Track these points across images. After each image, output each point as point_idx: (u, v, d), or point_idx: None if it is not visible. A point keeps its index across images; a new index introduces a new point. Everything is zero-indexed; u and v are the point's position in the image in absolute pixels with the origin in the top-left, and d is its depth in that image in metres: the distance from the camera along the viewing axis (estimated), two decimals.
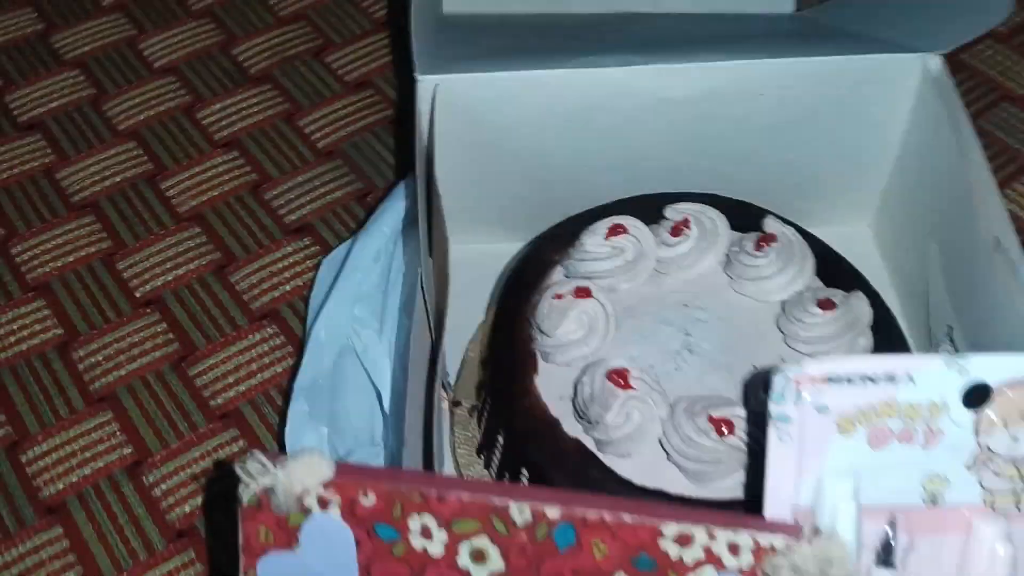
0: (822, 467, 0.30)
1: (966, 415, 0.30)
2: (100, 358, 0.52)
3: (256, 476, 0.29)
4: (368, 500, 0.30)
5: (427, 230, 0.42)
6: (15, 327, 0.54)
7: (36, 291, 0.55)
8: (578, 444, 0.40)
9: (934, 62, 0.47)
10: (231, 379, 0.52)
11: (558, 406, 0.42)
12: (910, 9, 0.53)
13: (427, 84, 0.46)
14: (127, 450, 0.49)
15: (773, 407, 0.30)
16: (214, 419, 0.50)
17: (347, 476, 0.30)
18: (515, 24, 0.52)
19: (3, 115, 0.64)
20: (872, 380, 0.29)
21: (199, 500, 0.47)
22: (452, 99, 0.46)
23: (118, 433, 0.50)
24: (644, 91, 0.48)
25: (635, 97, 0.48)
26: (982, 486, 0.30)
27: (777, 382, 0.29)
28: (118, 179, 0.61)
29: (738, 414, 0.38)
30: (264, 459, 0.29)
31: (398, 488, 0.30)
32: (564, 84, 0.47)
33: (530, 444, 0.41)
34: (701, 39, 0.53)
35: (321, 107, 0.64)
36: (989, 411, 0.30)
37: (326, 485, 0.30)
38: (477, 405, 0.46)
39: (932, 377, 0.29)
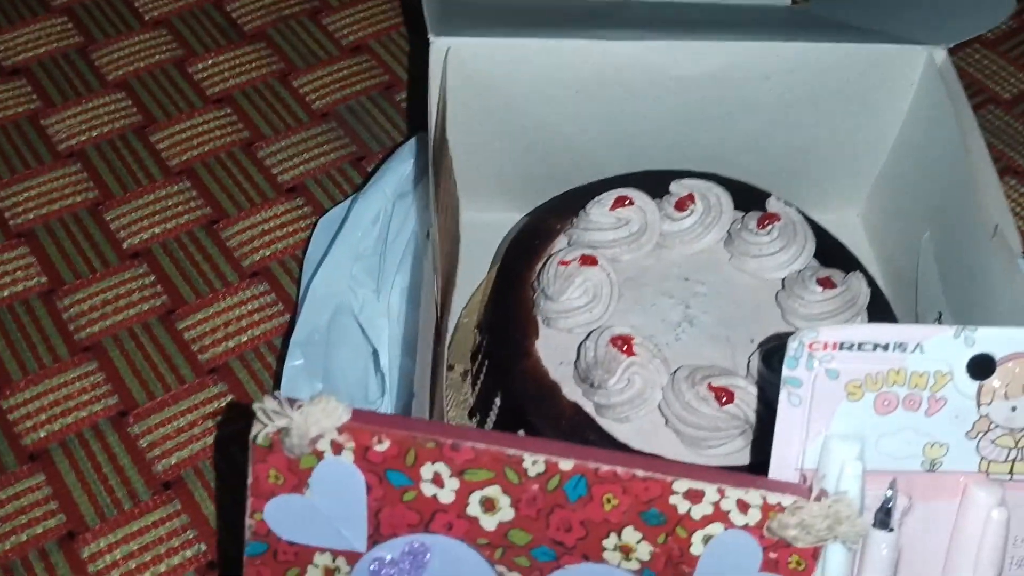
0: (828, 431, 0.31)
1: (970, 385, 0.30)
2: (85, 307, 0.52)
3: (272, 417, 0.29)
4: (382, 446, 0.30)
5: (435, 192, 0.42)
6: None
7: (20, 238, 0.54)
8: (577, 407, 0.41)
9: (939, 54, 0.48)
10: (220, 334, 0.51)
11: (558, 370, 0.42)
12: (912, 4, 0.54)
13: (440, 46, 0.46)
14: (112, 400, 0.48)
15: (786, 371, 0.30)
16: (202, 373, 0.49)
17: (362, 421, 0.30)
18: None
19: None
20: (883, 348, 0.30)
21: (185, 452, 0.47)
22: (463, 63, 0.46)
23: (103, 383, 0.49)
24: (654, 66, 0.48)
25: (645, 71, 0.48)
26: (979, 454, 0.31)
27: (792, 346, 0.30)
28: (106, 129, 0.60)
29: (737, 384, 0.39)
30: (281, 400, 0.29)
31: (413, 436, 0.30)
32: (576, 54, 0.47)
33: (529, 406, 0.41)
34: (709, 22, 0.53)
35: (316, 69, 0.64)
36: (992, 381, 0.30)
37: (341, 430, 0.30)
38: (471, 369, 0.46)
39: (941, 347, 0.30)
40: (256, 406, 0.29)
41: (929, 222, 0.48)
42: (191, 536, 0.44)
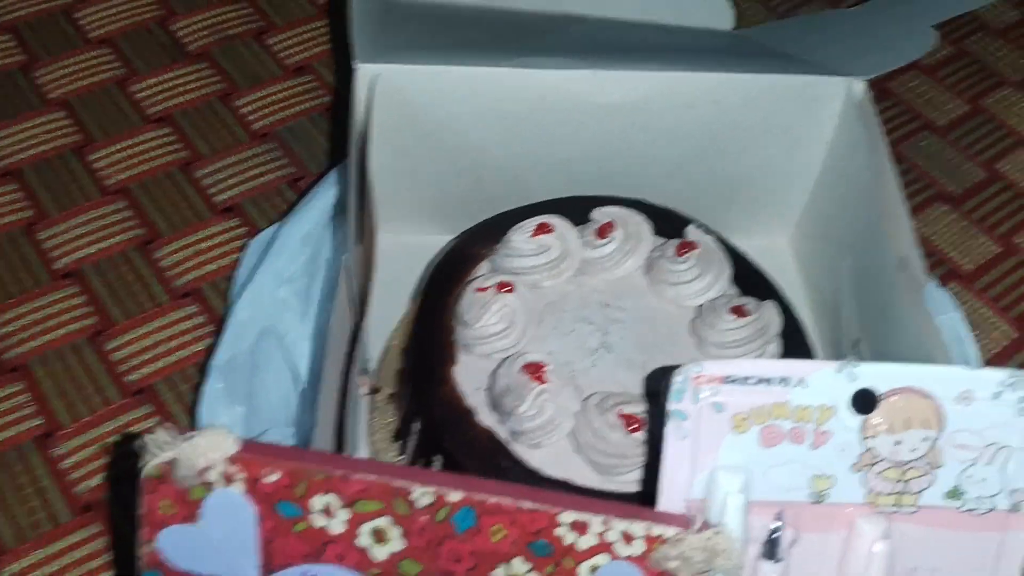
0: (715, 463, 0.31)
1: (854, 419, 0.31)
2: (14, 328, 0.52)
3: (160, 448, 0.29)
4: (272, 477, 0.30)
5: (357, 217, 0.42)
6: None
7: None
8: (490, 434, 0.41)
9: (858, 86, 0.49)
10: (148, 355, 0.51)
11: (474, 396, 0.42)
12: (840, 36, 0.55)
13: (365, 72, 0.46)
14: (36, 421, 0.48)
15: (672, 404, 0.31)
16: (128, 394, 0.50)
17: (253, 453, 0.30)
18: (458, 15, 0.53)
19: None
20: (767, 382, 0.31)
21: (107, 474, 0.47)
22: (389, 89, 0.47)
23: (28, 404, 0.49)
24: (579, 95, 0.49)
25: (570, 100, 0.49)
26: (866, 487, 0.32)
27: (676, 380, 0.30)
28: (44, 148, 0.60)
29: (647, 411, 0.40)
30: (170, 431, 0.30)
31: (303, 467, 0.30)
32: (502, 83, 0.48)
33: (444, 431, 0.41)
34: (639, 47, 0.54)
35: (258, 89, 0.64)
36: (875, 416, 0.31)
37: (232, 460, 0.30)
38: (397, 392, 0.47)
39: (823, 382, 0.31)
40: (146, 437, 0.29)
41: (848, 252, 0.49)
42: (109, 559, 0.44)
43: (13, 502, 0.46)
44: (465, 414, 0.42)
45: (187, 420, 0.49)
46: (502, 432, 0.41)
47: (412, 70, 0.47)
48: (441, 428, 0.42)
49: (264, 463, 0.30)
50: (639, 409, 0.40)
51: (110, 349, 0.51)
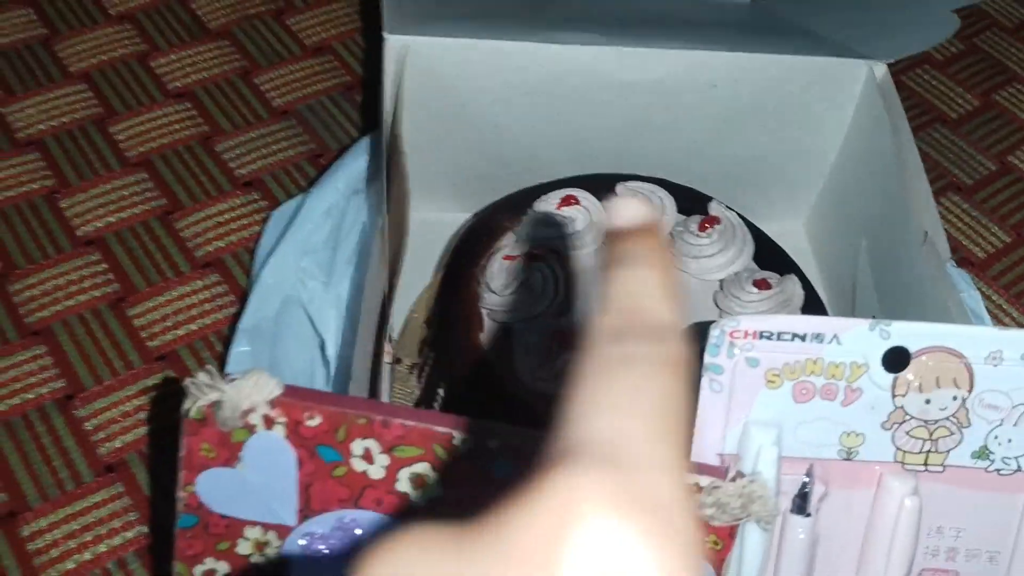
0: (748, 417, 0.32)
1: (885, 377, 0.32)
2: (37, 292, 0.52)
3: (204, 391, 0.30)
4: (313, 421, 0.30)
5: (387, 186, 0.43)
6: None
7: None
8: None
9: (879, 69, 0.50)
10: (170, 323, 0.51)
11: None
12: (862, 16, 0.56)
13: (395, 44, 0.47)
14: (59, 383, 0.48)
15: (707, 357, 0.31)
16: (150, 360, 0.50)
17: (294, 397, 0.30)
18: None
19: None
20: (801, 338, 0.31)
21: (130, 436, 0.47)
22: (418, 61, 0.47)
23: (51, 367, 0.49)
24: (603, 72, 0.49)
25: (593, 77, 0.49)
26: (895, 445, 0.32)
27: (713, 334, 0.31)
28: (66, 119, 0.60)
29: None
30: (213, 374, 0.30)
31: (344, 412, 0.30)
32: (527, 57, 0.48)
33: (470, 396, 0.42)
34: (661, 23, 0.55)
35: (279, 67, 0.65)
36: (906, 374, 0.32)
37: (273, 404, 0.30)
38: (418, 362, 0.47)
39: (857, 339, 0.31)
40: (188, 380, 0.30)
41: (866, 231, 0.50)
42: (132, 518, 0.45)
43: (36, 462, 0.46)
44: (492, 379, 0.42)
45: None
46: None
47: (439, 42, 0.48)
48: (468, 393, 0.42)
49: (305, 407, 0.30)
50: None
51: (132, 316, 0.51)
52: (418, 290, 0.51)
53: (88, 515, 0.45)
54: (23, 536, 0.44)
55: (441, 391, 0.44)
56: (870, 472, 0.33)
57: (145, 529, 0.44)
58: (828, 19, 0.53)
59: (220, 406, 0.30)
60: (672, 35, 0.50)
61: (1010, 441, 0.32)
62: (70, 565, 0.43)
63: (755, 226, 0.48)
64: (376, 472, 0.31)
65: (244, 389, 0.30)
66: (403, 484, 0.31)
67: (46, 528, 0.44)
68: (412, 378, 0.47)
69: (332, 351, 0.46)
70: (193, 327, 0.51)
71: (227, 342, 0.50)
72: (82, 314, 0.51)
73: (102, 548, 0.44)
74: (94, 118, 0.60)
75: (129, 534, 0.44)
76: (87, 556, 0.43)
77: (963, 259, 0.59)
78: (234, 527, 0.32)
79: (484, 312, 0.44)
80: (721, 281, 0.45)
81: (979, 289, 0.58)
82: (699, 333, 0.32)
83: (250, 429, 0.30)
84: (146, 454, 0.46)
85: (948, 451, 0.33)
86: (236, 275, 0.54)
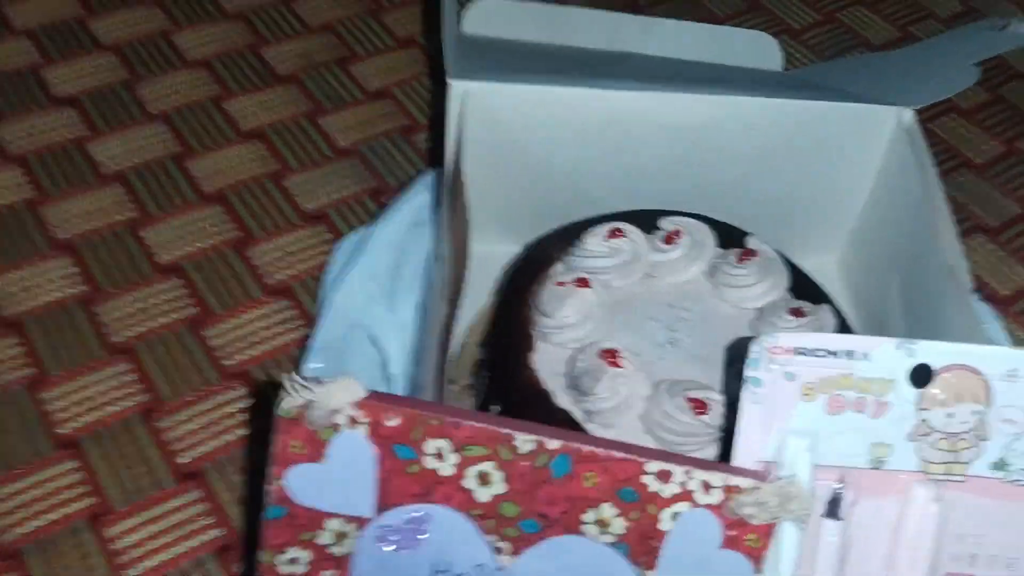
0: (786, 427, 0.35)
1: (911, 392, 0.35)
2: (121, 314, 0.56)
3: (297, 391, 0.33)
4: (392, 422, 0.34)
5: (449, 215, 0.47)
6: (41, 280, 0.57)
7: (62, 250, 0.59)
8: (566, 414, 0.45)
9: (907, 114, 0.53)
10: (243, 344, 0.55)
11: (551, 381, 0.46)
12: (886, 72, 0.60)
13: (457, 88, 0.51)
14: (142, 398, 0.53)
15: (748, 371, 0.34)
16: (226, 377, 0.54)
17: (376, 400, 0.34)
18: (538, 48, 0.58)
19: (41, 90, 0.68)
20: (834, 355, 0.34)
21: (207, 447, 0.51)
22: (477, 105, 0.51)
23: (135, 383, 0.53)
24: (649, 115, 0.53)
25: (641, 119, 0.53)
26: (919, 455, 0.35)
27: (753, 349, 0.34)
28: (147, 156, 0.65)
29: (713, 397, 0.43)
30: (306, 377, 0.34)
31: (420, 413, 0.34)
32: (579, 101, 0.53)
33: (523, 412, 0.45)
34: (699, 79, 0.59)
35: (342, 110, 0.69)
36: (930, 390, 0.35)
37: (358, 406, 0.34)
38: (472, 383, 0.50)
39: (884, 356, 0.34)
40: (284, 378, 0.33)
41: (896, 268, 0.53)
42: (209, 522, 0.48)
43: (120, 468, 0.50)
44: (543, 396, 0.45)
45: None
46: (578, 413, 0.45)
47: (497, 87, 0.52)
48: (520, 409, 0.45)
49: (385, 408, 0.34)
50: (705, 395, 0.43)
51: (208, 336, 0.56)
52: (472, 316, 0.54)
53: (167, 519, 0.48)
54: (108, 536, 0.47)
55: (496, 408, 0.47)
56: (897, 481, 0.35)
57: (220, 532, 0.48)
58: (857, 78, 0.57)
59: (311, 406, 0.34)
60: (709, 85, 0.53)
61: None
62: (149, 564, 0.47)
63: (790, 260, 0.52)
64: (447, 470, 0.34)
65: (333, 391, 0.33)
66: (470, 481, 0.34)
67: (129, 530, 0.48)
68: (466, 397, 0.50)
69: (394, 370, 0.50)
70: (265, 347, 0.55)
71: (296, 362, 0.54)
72: (162, 334, 0.55)
73: (180, 549, 0.47)
74: (173, 155, 0.65)
75: (205, 537, 0.48)
76: (166, 556, 0.47)
77: (989, 296, 0.62)
78: (317, 518, 0.35)
79: (535, 334, 0.48)
80: (758, 310, 0.48)
81: (1004, 324, 0.60)
82: (741, 349, 0.35)
83: (335, 428, 0.34)
84: (221, 463, 0.50)
85: (969, 462, 0.35)
86: (303, 301, 0.58)
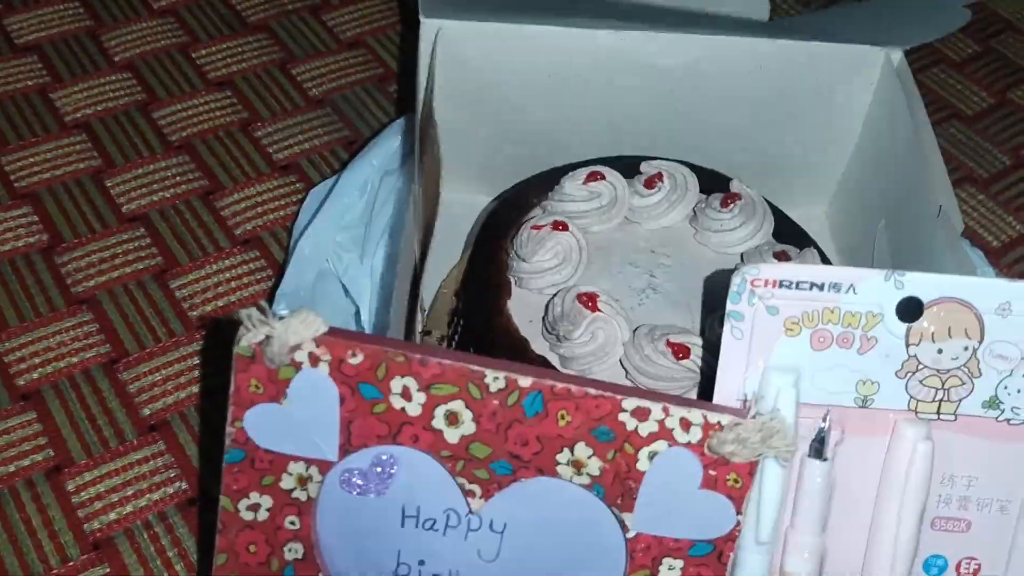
0: (768, 363, 0.33)
1: (899, 326, 0.33)
2: (83, 264, 0.54)
3: (255, 325, 0.32)
4: (355, 359, 0.32)
5: (420, 156, 0.45)
6: (1, 229, 0.55)
7: (23, 199, 0.57)
8: (544, 361, 0.43)
9: (896, 55, 0.52)
10: (211, 295, 0.54)
11: (527, 328, 0.44)
12: (876, 15, 0.58)
13: (429, 27, 0.49)
14: (104, 349, 0.51)
15: (729, 304, 0.33)
16: (191, 328, 0.52)
17: (338, 336, 0.32)
18: None
19: (3, 38, 0.66)
20: (819, 287, 0.33)
21: (171, 399, 0.49)
22: (450, 44, 0.49)
23: (96, 333, 0.51)
24: (631, 55, 0.51)
25: (622, 60, 0.51)
26: (908, 393, 0.34)
27: (734, 281, 0.33)
28: (111, 105, 0.63)
29: (693, 342, 0.42)
30: (265, 310, 0.32)
31: (384, 350, 0.32)
32: (557, 40, 0.50)
33: (499, 359, 0.43)
34: (684, 23, 0.57)
35: (314, 59, 0.67)
36: (920, 324, 0.33)
37: (318, 342, 0.32)
38: (447, 333, 0.49)
39: (872, 289, 0.33)
40: (242, 312, 0.32)
41: (883, 211, 0.51)
42: (172, 475, 0.46)
43: (81, 420, 0.48)
44: (520, 343, 0.44)
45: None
46: (555, 359, 0.43)
47: (471, 26, 0.50)
48: (496, 356, 0.44)
49: (348, 345, 0.32)
50: (686, 339, 0.42)
51: (174, 287, 0.54)
52: (447, 268, 0.52)
53: (131, 471, 0.46)
54: (69, 489, 0.46)
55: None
56: (885, 419, 0.34)
57: (184, 485, 0.46)
58: (846, 24, 0.55)
59: (269, 342, 0.32)
60: (696, 24, 0.52)
61: (1019, 391, 0.34)
62: (113, 517, 0.45)
63: (775, 205, 0.50)
64: (413, 409, 0.33)
65: (292, 326, 0.32)
66: (438, 421, 0.33)
67: (90, 482, 0.46)
68: (441, 348, 0.49)
69: (366, 318, 0.48)
70: (232, 298, 0.53)
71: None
72: (126, 284, 0.53)
73: (143, 502, 0.46)
74: (138, 104, 0.63)
75: (169, 489, 0.46)
76: (129, 509, 0.45)
77: (979, 247, 0.61)
78: (279, 462, 0.34)
79: (512, 279, 0.46)
80: (742, 254, 0.47)
81: (996, 275, 0.59)
82: (722, 282, 0.33)
83: (296, 366, 0.32)
84: (186, 415, 0.48)
85: (960, 400, 0.34)
86: (273, 251, 0.56)
